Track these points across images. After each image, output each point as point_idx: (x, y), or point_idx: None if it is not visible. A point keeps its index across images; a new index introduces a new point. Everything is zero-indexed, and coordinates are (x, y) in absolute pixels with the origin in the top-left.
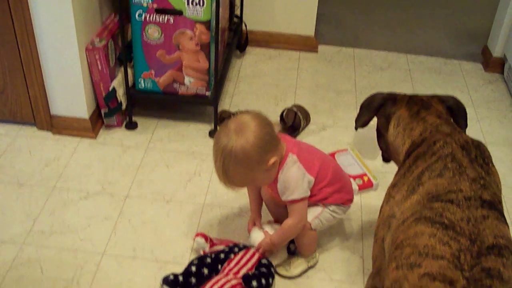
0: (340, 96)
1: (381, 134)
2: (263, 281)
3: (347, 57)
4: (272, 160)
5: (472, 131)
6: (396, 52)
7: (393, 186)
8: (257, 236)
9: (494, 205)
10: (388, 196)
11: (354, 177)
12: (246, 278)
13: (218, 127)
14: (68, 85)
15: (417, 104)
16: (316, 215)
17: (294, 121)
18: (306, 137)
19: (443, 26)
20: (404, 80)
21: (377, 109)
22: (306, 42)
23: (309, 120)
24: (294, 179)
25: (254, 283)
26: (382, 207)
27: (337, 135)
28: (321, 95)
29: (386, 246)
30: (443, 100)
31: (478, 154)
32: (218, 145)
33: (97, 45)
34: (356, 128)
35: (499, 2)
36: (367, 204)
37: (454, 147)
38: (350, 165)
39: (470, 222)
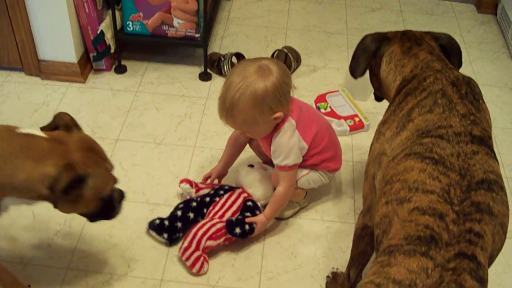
0: (331, 37)
1: (373, 72)
2: (247, 226)
3: None
4: (278, 114)
5: (465, 72)
6: None
7: (383, 123)
8: (245, 176)
9: (484, 141)
10: (378, 133)
11: (345, 118)
12: (229, 225)
13: (208, 69)
14: (55, 29)
15: (410, 40)
16: (303, 174)
17: (285, 62)
18: (297, 78)
19: None
20: (396, 22)
21: (373, 53)
22: None
23: (300, 62)
24: (289, 146)
25: (237, 229)
26: (372, 144)
27: (328, 77)
28: (312, 36)
29: (377, 183)
30: (436, 37)
31: (469, 90)
32: (236, 78)
33: None
34: (355, 78)
35: None
36: (358, 145)
37: (444, 83)
38: (341, 106)
39: (460, 157)
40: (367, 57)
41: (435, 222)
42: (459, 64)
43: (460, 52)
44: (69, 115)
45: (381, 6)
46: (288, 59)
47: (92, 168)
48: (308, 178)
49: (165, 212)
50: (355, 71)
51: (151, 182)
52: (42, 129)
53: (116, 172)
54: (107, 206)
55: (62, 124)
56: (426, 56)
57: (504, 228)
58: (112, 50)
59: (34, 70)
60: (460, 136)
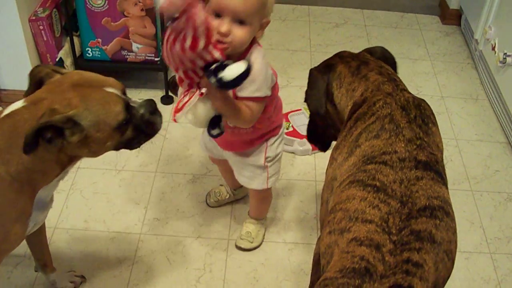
0: (294, 55)
1: (328, 100)
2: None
3: (302, 15)
4: (267, 20)
5: (429, 84)
6: (352, 8)
7: (336, 148)
8: None
9: (430, 166)
10: (332, 158)
11: None
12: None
13: (169, 93)
14: (13, 58)
15: (354, 59)
16: (266, 176)
17: None
18: None
19: None
20: (360, 36)
21: (327, 85)
22: None
23: None
24: (262, 72)
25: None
26: (327, 169)
27: (291, 95)
28: (275, 54)
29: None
30: (371, 52)
31: (418, 114)
32: None
33: (40, 15)
34: (321, 114)
35: None
36: (321, 164)
37: (394, 107)
38: (303, 124)
39: (403, 184)
40: (323, 91)
41: (371, 253)
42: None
43: (395, 62)
44: (46, 66)
45: (345, 21)
46: None
47: (78, 106)
48: (271, 172)
49: (126, 241)
50: (318, 109)
51: (112, 210)
52: (27, 93)
53: (77, 201)
54: (138, 126)
55: (44, 77)
56: (377, 77)
57: (450, 255)
58: None
59: None
60: (405, 162)
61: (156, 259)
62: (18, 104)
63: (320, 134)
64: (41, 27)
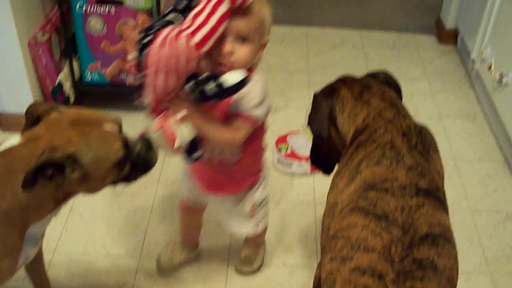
0: (293, 76)
1: (332, 123)
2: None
3: (299, 36)
4: (266, 39)
5: (427, 103)
6: (350, 29)
7: (337, 173)
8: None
9: (431, 193)
10: (333, 184)
11: (307, 159)
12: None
13: None
14: (13, 82)
15: (357, 84)
16: (255, 221)
17: None
18: None
19: (396, 0)
20: (357, 57)
21: (330, 109)
22: None
23: None
24: (262, 93)
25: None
26: (328, 195)
27: (290, 117)
28: (273, 76)
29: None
30: (374, 76)
31: (419, 140)
32: None
33: (39, 39)
34: (324, 137)
35: None
36: (320, 185)
37: (394, 134)
38: (302, 146)
39: (404, 212)
40: (327, 115)
41: (374, 283)
42: (399, 99)
43: (399, 87)
44: (43, 103)
45: (342, 42)
46: None
47: (78, 143)
48: (260, 216)
49: (125, 264)
50: (321, 132)
51: (111, 233)
52: (24, 130)
53: (76, 225)
54: (135, 162)
55: (41, 114)
56: (378, 103)
57: (453, 282)
58: (72, 100)
59: None
60: (406, 189)
61: (156, 283)
62: (15, 141)
63: (323, 157)
64: (40, 51)
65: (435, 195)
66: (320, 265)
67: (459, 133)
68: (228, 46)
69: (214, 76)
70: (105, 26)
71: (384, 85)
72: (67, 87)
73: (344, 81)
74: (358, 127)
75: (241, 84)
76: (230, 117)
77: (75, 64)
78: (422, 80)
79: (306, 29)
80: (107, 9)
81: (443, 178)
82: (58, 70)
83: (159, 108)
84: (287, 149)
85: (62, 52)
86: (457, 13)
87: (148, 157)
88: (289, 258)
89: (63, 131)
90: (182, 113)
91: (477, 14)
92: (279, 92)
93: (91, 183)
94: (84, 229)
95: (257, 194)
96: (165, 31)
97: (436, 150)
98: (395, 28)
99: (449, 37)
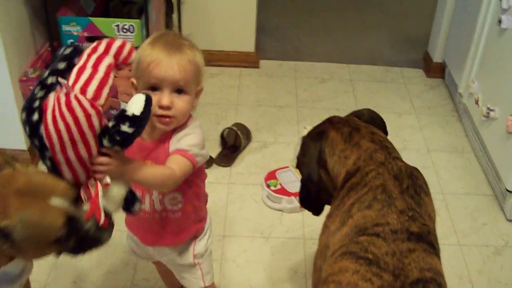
0: (281, 111)
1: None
2: None
3: (288, 71)
4: (201, 87)
5: (415, 138)
6: (338, 63)
7: (329, 216)
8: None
9: (422, 237)
10: (325, 226)
11: (296, 195)
12: None
13: None
14: (3, 117)
15: (345, 125)
16: (200, 274)
17: (235, 140)
18: (248, 155)
19: (384, 33)
20: (346, 91)
21: (319, 153)
22: (247, 58)
23: (251, 138)
24: (200, 137)
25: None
26: (320, 236)
27: (279, 152)
28: (262, 111)
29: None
30: (358, 115)
31: (411, 183)
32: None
33: (30, 75)
34: (314, 180)
35: (436, 8)
36: (309, 221)
37: (386, 178)
38: (291, 182)
39: (395, 257)
40: (316, 158)
41: None
42: (385, 134)
43: (383, 123)
44: (2, 154)
45: (330, 76)
46: (238, 137)
47: (14, 217)
48: (204, 269)
49: None
50: (311, 175)
51: (100, 270)
52: None
53: (65, 262)
54: (82, 240)
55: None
56: (369, 145)
57: None
58: None
59: None
60: (397, 234)
61: None
62: None
63: (313, 199)
64: (31, 88)
65: (426, 239)
66: None
67: (447, 167)
68: (165, 99)
69: (120, 115)
70: None
71: (371, 125)
72: None
73: (332, 123)
74: (349, 170)
75: (148, 106)
76: (167, 158)
77: None
78: (410, 114)
79: (294, 64)
80: None
81: (434, 221)
82: None
83: (81, 180)
84: (276, 185)
85: None
86: (445, 47)
87: (97, 236)
88: None
89: (3, 199)
90: (106, 175)
91: (464, 48)
92: (268, 127)
93: (27, 255)
94: (73, 265)
95: (201, 244)
96: (50, 102)
97: (427, 193)
98: (383, 62)
99: (437, 71)
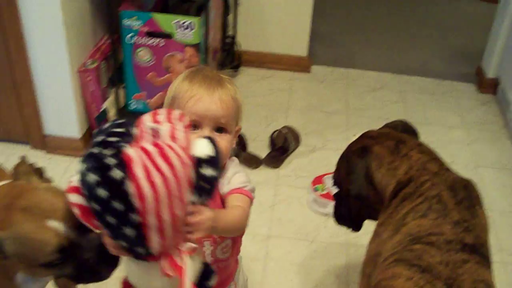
0: (331, 117)
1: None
2: None
3: (340, 78)
4: (240, 126)
5: (464, 152)
6: (390, 73)
7: (380, 224)
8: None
9: (476, 249)
10: (375, 234)
11: None
12: None
13: None
14: (60, 106)
15: (389, 139)
16: None
17: (284, 142)
18: (296, 158)
19: (437, 46)
20: (396, 101)
21: (365, 174)
22: (299, 62)
23: (299, 142)
24: (246, 173)
25: None
26: (369, 243)
27: (327, 157)
28: (312, 116)
29: (372, 284)
30: (393, 127)
31: (466, 195)
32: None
33: (89, 66)
34: (363, 196)
35: (493, 23)
36: None
37: (442, 188)
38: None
39: (449, 266)
40: (364, 174)
41: None
42: None
43: (417, 134)
44: (28, 165)
45: (381, 86)
46: (287, 139)
47: (7, 231)
48: None
49: None
50: (361, 192)
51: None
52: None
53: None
54: (81, 267)
55: (17, 172)
56: (419, 156)
57: None
58: None
59: (39, 144)
60: (451, 244)
61: None
62: None
63: (355, 216)
64: (88, 78)
65: (479, 252)
66: None
67: (495, 184)
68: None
69: (197, 161)
70: (153, 58)
71: (415, 139)
72: (112, 114)
73: (372, 137)
74: (400, 180)
75: (211, 140)
76: (227, 195)
77: (121, 93)
78: (459, 129)
79: (346, 71)
80: (156, 41)
81: (487, 234)
82: (104, 97)
83: (168, 247)
84: (323, 189)
85: (109, 80)
86: (499, 63)
87: (97, 269)
88: None
89: (8, 208)
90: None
91: None
92: (317, 132)
93: (25, 270)
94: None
95: (240, 278)
96: (135, 154)
97: (481, 205)
98: (435, 74)
99: (489, 86)
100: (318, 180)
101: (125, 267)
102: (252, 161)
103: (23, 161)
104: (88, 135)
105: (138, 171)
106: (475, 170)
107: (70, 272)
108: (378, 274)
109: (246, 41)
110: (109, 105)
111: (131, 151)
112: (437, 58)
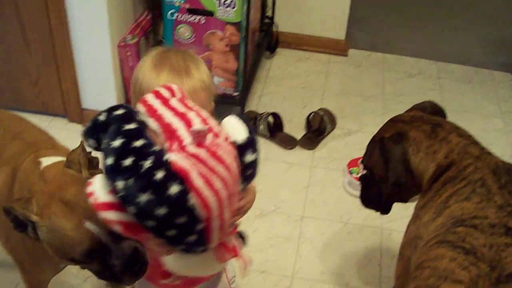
0: (367, 101)
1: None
2: None
3: (376, 62)
4: (212, 106)
5: (499, 142)
6: (427, 59)
7: (421, 207)
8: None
9: None
10: (415, 217)
11: None
12: None
13: None
14: (99, 80)
15: (424, 123)
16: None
17: (320, 124)
18: (331, 141)
19: (476, 34)
20: (433, 89)
21: (403, 161)
22: (336, 45)
23: (335, 125)
24: None
25: None
26: (408, 226)
27: (362, 141)
28: (348, 99)
29: (412, 266)
30: (422, 109)
31: (509, 179)
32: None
33: (129, 42)
34: (402, 183)
35: None
36: None
37: (485, 172)
38: None
39: (492, 249)
40: (402, 160)
41: None
42: None
43: (445, 115)
44: (83, 152)
45: (418, 72)
46: (323, 121)
47: (46, 219)
48: None
49: None
50: (399, 179)
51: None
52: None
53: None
54: (106, 270)
55: (74, 163)
56: (459, 140)
57: None
58: None
59: (76, 117)
60: (495, 228)
61: None
62: (50, 161)
63: (386, 199)
64: (128, 53)
65: None
66: None
67: None
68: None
69: (241, 145)
70: (194, 35)
71: (452, 122)
72: None
73: (406, 122)
74: (440, 163)
75: (244, 118)
76: None
77: None
78: (496, 118)
79: (383, 56)
80: (197, 18)
81: None
82: None
83: (222, 239)
84: (358, 172)
85: None
86: None
87: (120, 277)
88: (352, 280)
89: (51, 196)
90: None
91: None
92: (353, 115)
93: (52, 256)
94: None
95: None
96: (186, 163)
97: None
98: (472, 62)
99: None
100: (353, 163)
101: (168, 261)
102: (288, 142)
103: (78, 148)
104: None
105: (197, 181)
106: (511, 160)
107: (94, 270)
108: (420, 256)
109: (284, 23)
110: None
111: (181, 161)
112: (476, 46)
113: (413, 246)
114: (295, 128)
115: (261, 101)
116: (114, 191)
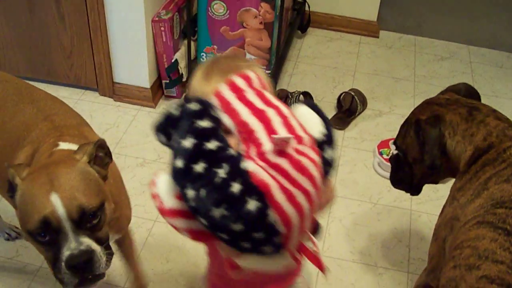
0: (398, 83)
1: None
2: None
3: (408, 44)
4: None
5: None
6: (458, 43)
7: (458, 189)
8: None
9: None
10: (452, 198)
11: None
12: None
13: None
14: (132, 54)
15: (460, 106)
16: None
17: (351, 105)
18: (362, 122)
19: (508, 18)
20: (464, 72)
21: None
22: (368, 27)
23: (366, 105)
24: None
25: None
26: (444, 207)
27: (393, 122)
28: (379, 81)
29: (447, 247)
30: (456, 91)
31: None
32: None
33: (163, 17)
34: (436, 168)
35: None
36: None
37: None
38: None
39: None
40: (439, 143)
41: None
42: None
43: (479, 97)
44: (94, 144)
45: (450, 56)
46: (354, 101)
47: (21, 181)
48: None
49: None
50: (435, 162)
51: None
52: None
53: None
54: (52, 257)
55: (82, 153)
56: (497, 123)
57: None
58: (185, 79)
59: (108, 91)
60: None
61: None
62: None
63: (418, 181)
64: (162, 28)
65: None
66: (425, 273)
67: None
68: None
69: (320, 142)
70: (228, 12)
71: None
72: (182, 66)
73: (442, 105)
74: (478, 146)
75: (318, 107)
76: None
77: (193, 45)
78: None
79: (414, 38)
80: None
81: None
82: (176, 49)
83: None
84: (388, 153)
85: (182, 31)
86: None
87: (67, 273)
88: (380, 261)
89: (43, 166)
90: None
91: None
92: (384, 97)
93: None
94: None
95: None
96: (265, 175)
97: None
98: (505, 47)
99: None
100: (384, 144)
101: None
102: None
103: (95, 143)
104: (157, 85)
105: (278, 197)
106: None
107: (47, 257)
108: (459, 236)
109: (316, 2)
110: (179, 57)
111: (261, 172)
112: (509, 31)
113: (449, 227)
114: (326, 107)
115: (292, 80)
116: (182, 197)
